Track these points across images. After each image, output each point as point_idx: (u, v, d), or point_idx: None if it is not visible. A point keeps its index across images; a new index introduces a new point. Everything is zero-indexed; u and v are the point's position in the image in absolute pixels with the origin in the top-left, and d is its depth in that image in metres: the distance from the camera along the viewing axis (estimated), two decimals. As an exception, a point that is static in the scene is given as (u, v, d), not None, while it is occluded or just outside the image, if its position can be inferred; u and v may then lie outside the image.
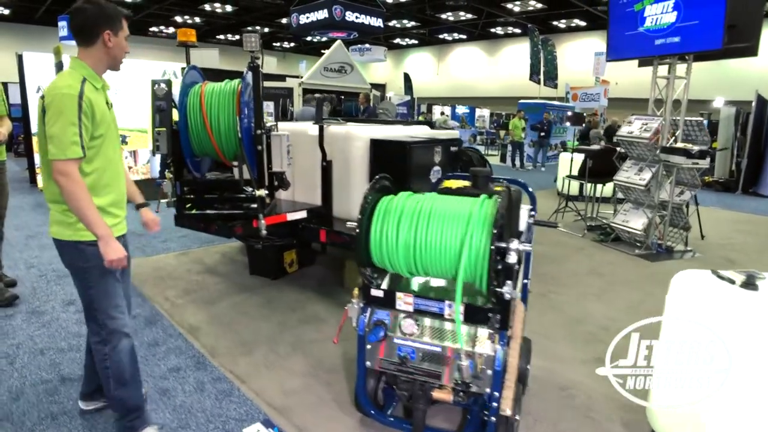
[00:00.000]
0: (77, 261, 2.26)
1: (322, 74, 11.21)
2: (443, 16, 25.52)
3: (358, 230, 2.14)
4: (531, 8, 23.20)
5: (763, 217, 9.18)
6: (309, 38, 26.15)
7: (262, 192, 3.66)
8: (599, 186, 7.52)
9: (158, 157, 9.48)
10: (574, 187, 8.42)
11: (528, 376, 2.78)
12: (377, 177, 2.35)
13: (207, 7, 23.50)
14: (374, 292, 2.31)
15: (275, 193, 4.11)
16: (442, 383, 2.26)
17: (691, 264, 5.88)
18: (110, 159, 2.29)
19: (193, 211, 3.93)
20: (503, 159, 17.61)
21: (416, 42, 33.09)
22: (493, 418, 2.15)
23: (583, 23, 25.64)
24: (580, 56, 25.08)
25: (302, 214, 4.18)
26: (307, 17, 13.07)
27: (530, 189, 3.12)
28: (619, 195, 6.93)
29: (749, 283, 2.16)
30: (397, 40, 32.46)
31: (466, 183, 2.67)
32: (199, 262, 5.27)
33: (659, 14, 5.83)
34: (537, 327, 3.77)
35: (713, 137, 11.47)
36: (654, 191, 6.13)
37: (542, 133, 15.76)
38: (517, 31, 27.87)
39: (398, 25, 27.33)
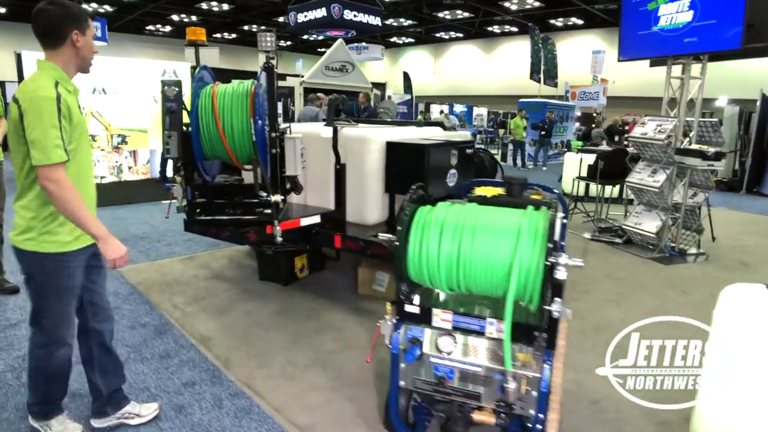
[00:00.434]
0: (37, 273, 2.21)
1: (324, 73, 11.09)
2: (440, 14, 25.39)
3: (397, 243, 2.01)
4: (528, 6, 23.10)
5: (770, 217, 9.13)
6: (305, 36, 26.01)
7: (278, 197, 3.53)
8: (607, 187, 7.43)
9: (158, 156, 9.37)
10: (579, 188, 8.30)
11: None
12: (414, 187, 2.22)
13: (204, 5, 23.26)
14: (409, 308, 2.18)
15: (286, 197, 3.98)
16: (481, 404, 2.15)
17: (706, 268, 5.80)
18: (83, 164, 2.23)
19: (205, 217, 3.79)
20: (504, 158, 17.51)
21: (412, 40, 32.93)
22: (538, 442, 2.04)
23: (580, 21, 25.57)
24: (577, 55, 25.00)
25: (316, 219, 4.05)
26: (305, 15, 12.97)
27: (561, 195, 3.01)
28: (630, 196, 6.83)
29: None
30: (394, 39, 32.29)
31: (499, 190, 2.55)
32: (206, 267, 5.13)
33: (674, 13, 5.73)
34: (561, 336, 3.65)
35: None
36: (667, 193, 6.04)
37: (543, 132, 15.66)
38: (514, 29, 27.78)
39: (395, 24, 27.17)
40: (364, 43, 20.96)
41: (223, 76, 4.70)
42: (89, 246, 2.28)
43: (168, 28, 27.99)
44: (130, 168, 8.91)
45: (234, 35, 29.77)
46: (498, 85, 29.74)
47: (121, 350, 3.37)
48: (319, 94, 9.35)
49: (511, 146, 16.22)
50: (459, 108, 25.51)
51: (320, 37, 22.67)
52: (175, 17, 25.16)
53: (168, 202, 3.92)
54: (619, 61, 6.56)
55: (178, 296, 4.36)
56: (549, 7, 22.81)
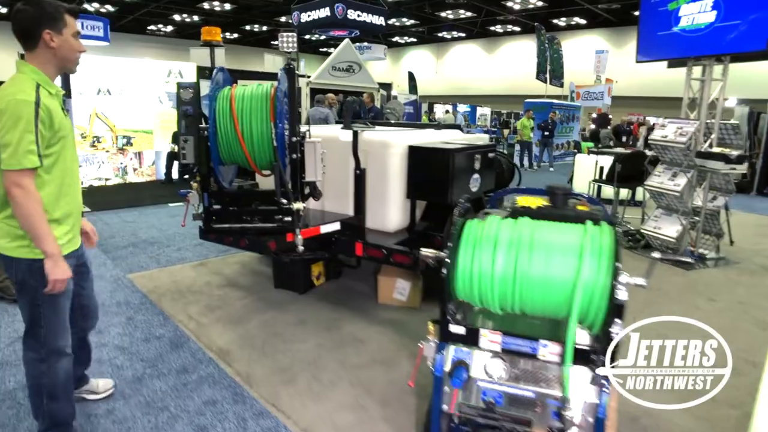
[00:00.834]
0: (32, 280, 2.10)
1: (330, 73, 10.93)
2: (442, 14, 25.25)
3: (449, 260, 1.87)
4: (531, 6, 22.97)
5: (785, 220, 9.00)
6: (307, 36, 25.86)
7: (300, 205, 3.39)
8: (622, 190, 7.30)
9: (164, 157, 9.23)
10: (592, 191, 8.16)
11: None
12: (461, 200, 2.07)
13: (206, 5, 23.12)
14: (454, 329, 2.04)
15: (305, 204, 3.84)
16: (532, 430, 2.01)
17: (728, 272, 5.67)
18: (68, 167, 2.16)
19: (224, 225, 3.65)
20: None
21: (415, 40, 32.79)
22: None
23: (583, 21, 25.46)
24: (580, 54, 24.84)
25: (335, 226, 3.92)
26: (309, 15, 12.86)
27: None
28: (639, 198, 6.69)
29: None
30: (396, 38, 32.14)
31: (541, 200, 2.41)
32: (219, 274, 4.98)
33: (696, 14, 5.59)
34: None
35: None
36: (687, 197, 5.90)
37: (546, 132, 15.54)
38: (517, 29, 27.67)
39: (397, 23, 27.03)
40: (366, 43, 20.79)
41: (231, 76, 4.57)
42: (76, 251, 2.29)
43: (169, 28, 27.86)
44: (135, 170, 8.78)
45: (236, 35, 29.64)
46: (500, 84, 29.62)
47: (137, 365, 3.24)
48: (329, 95, 9.20)
49: (518, 147, 16.09)
50: (462, 108, 25.39)
51: (322, 37, 22.53)
52: (176, 17, 25.02)
53: (178, 204, 3.78)
54: (637, 62, 6.42)
55: (192, 306, 4.22)
56: (552, 7, 22.68)
